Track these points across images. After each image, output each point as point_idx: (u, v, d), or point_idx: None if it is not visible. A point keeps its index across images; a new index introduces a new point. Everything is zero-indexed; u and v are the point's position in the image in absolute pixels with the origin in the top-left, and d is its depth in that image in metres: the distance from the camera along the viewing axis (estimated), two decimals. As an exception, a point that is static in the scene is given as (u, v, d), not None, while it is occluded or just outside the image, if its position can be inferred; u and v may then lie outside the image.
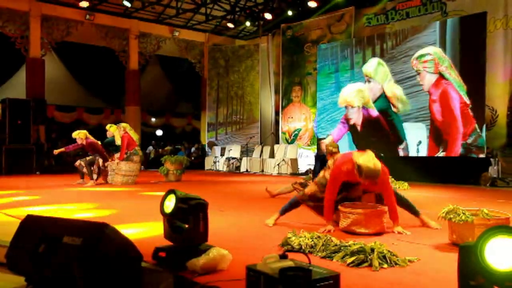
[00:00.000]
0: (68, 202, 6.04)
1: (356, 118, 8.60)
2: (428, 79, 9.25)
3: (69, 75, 17.03)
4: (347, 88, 9.43)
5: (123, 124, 9.14)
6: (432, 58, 9.20)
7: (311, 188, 4.16)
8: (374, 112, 9.15)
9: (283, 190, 6.48)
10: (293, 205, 4.21)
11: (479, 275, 1.67)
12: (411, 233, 3.67)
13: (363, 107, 8.84)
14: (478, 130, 8.54)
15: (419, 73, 9.55)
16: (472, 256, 1.69)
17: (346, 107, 9.20)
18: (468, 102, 8.66)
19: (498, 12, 9.66)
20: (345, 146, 9.30)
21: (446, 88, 8.73)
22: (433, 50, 9.32)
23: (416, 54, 9.65)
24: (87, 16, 13.57)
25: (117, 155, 8.96)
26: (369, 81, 9.37)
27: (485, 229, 1.70)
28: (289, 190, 6.43)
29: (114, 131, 9.24)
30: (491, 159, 8.81)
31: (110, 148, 9.29)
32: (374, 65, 9.50)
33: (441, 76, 8.93)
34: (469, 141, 8.43)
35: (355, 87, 9.04)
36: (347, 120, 9.05)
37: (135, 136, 9.04)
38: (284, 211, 4.18)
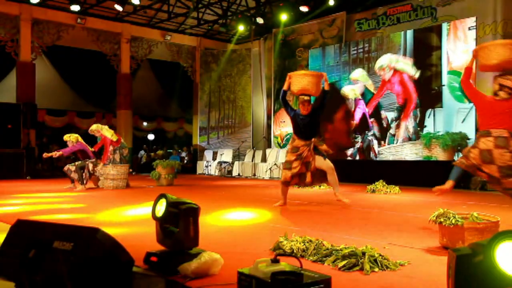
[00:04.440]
0: (59, 207, 5.99)
1: (350, 106, 11.21)
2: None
3: (60, 79, 16.92)
4: (344, 88, 11.32)
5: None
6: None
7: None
8: (362, 103, 11.07)
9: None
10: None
11: (485, 285, 1.59)
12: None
13: (355, 99, 11.15)
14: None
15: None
16: (474, 265, 1.61)
17: (345, 99, 11.29)
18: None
19: (487, 17, 9.78)
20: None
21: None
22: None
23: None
24: (79, 20, 13.51)
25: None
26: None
27: (495, 235, 1.62)
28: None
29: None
30: (481, 163, 8.88)
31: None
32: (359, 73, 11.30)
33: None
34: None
35: (350, 87, 11.27)
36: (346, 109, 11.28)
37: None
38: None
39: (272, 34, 14.49)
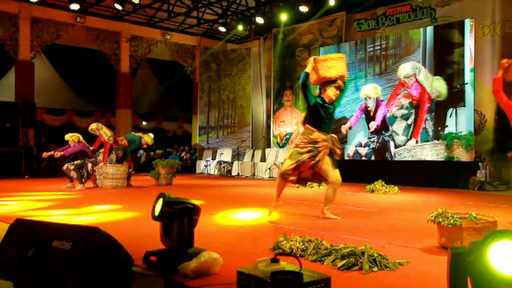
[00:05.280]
0: (58, 206, 5.99)
1: (372, 106, 10.92)
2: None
3: (59, 78, 16.89)
4: (366, 86, 11.10)
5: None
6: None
7: None
8: (384, 104, 10.83)
9: None
10: None
11: (476, 282, 1.62)
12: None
13: (377, 99, 10.91)
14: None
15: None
16: (467, 262, 1.65)
17: (365, 98, 11.05)
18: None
19: (486, 18, 9.80)
20: (360, 125, 11.15)
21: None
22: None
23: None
24: (78, 19, 13.50)
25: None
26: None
27: (487, 234, 1.65)
28: None
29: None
30: (480, 163, 8.91)
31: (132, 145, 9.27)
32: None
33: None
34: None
35: (372, 86, 11.00)
36: (366, 107, 11.08)
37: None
38: None
39: (272, 34, 14.49)
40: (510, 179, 8.40)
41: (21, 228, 2.35)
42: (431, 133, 9.71)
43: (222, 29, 14.72)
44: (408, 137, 10.08)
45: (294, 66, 13.95)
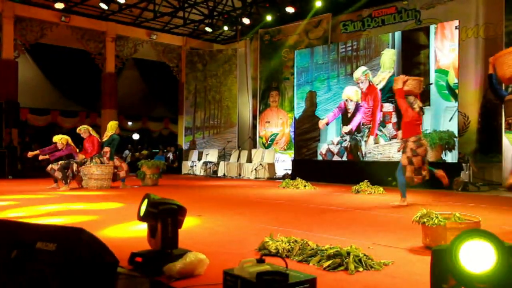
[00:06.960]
0: (41, 207, 5.90)
1: (352, 108, 11.18)
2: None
3: (44, 77, 16.64)
4: (348, 88, 11.33)
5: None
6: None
7: None
8: (363, 110, 11.10)
9: None
10: None
11: (452, 277, 1.71)
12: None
13: (357, 102, 11.21)
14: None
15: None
16: (445, 259, 1.72)
17: (346, 100, 11.32)
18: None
19: (469, 21, 9.96)
20: (334, 124, 11.48)
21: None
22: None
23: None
24: (63, 18, 13.34)
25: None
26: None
27: (459, 233, 1.74)
28: None
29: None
30: (463, 164, 9.04)
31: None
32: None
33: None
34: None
35: (354, 88, 11.25)
36: (345, 107, 11.38)
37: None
38: None
39: (258, 34, 14.52)
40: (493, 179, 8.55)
41: (4, 229, 2.31)
42: (390, 133, 10.08)
43: (208, 29, 14.70)
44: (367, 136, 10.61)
45: (280, 67, 13.99)
